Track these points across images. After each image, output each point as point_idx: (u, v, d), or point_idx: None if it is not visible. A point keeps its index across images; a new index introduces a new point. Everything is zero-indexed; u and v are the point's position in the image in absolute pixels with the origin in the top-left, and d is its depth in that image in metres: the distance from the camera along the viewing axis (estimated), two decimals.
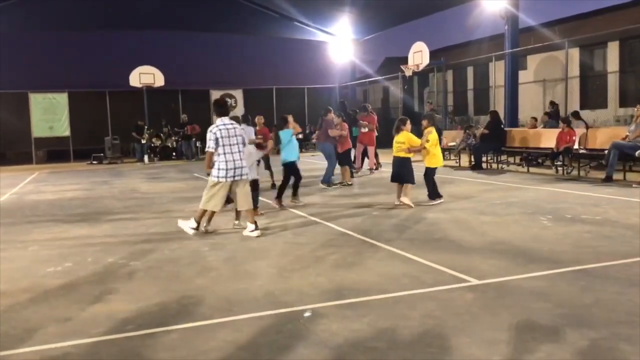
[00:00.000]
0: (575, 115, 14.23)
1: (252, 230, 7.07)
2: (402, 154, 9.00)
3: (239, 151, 7.08)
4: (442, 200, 9.14)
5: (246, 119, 12.27)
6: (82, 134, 24.17)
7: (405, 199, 8.92)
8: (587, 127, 13.51)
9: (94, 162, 22.61)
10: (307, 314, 4.12)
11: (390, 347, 3.53)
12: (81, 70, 34.40)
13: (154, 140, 23.20)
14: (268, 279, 5.12)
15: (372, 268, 5.38)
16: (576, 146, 12.50)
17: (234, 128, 7.11)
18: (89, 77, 31.67)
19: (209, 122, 26.16)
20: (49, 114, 24.07)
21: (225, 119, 7.17)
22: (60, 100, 24.19)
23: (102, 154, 22.88)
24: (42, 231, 8.04)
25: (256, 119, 12.05)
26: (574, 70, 20.76)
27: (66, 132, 24.21)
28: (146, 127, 22.80)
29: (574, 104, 19.54)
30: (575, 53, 20.58)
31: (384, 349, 3.50)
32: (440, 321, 3.91)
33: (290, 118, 9.54)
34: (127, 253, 6.39)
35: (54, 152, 24.40)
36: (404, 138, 9.02)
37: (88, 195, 12.28)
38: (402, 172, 9.02)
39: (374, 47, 31.05)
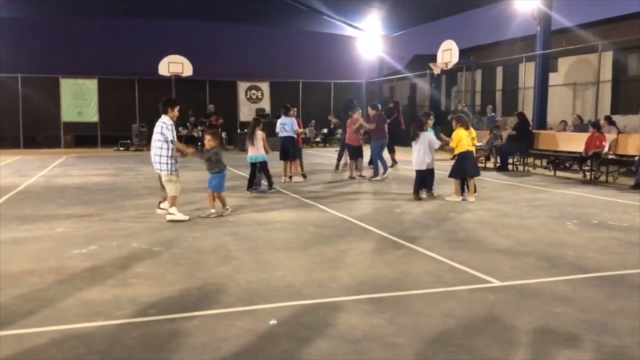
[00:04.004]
0: (608, 119, 13.91)
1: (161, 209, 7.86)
2: (472, 148, 9.49)
3: (155, 147, 7.71)
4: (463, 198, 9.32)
5: (287, 110, 12.23)
6: (110, 120, 24.50)
7: (470, 196, 9.32)
8: (619, 133, 13.24)
9: (121, 148, 22.93)
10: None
11: (410, 343, 3.52)
12: (111, 57, 34.91)
13: (180, 129, 23.41)
14: (289, 271, 5.14)
15: (393, 265, 5.36)
16: (605, 151, 12.27)
17: (158, 126, 7.71)
18: (119, 64, 32.12)
19: (236, 113, 26.49)
20: (79, 99, 24.44)
21: (162, 118, 7.75)
22: (90, 86, 24.55)
23: (129, 141, 23.17)
24: (68, 214, 8.18)
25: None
26: (606, 74, 20.35)
27: (95, 118, 24.56)
28: None
29: (605, 109, 19.19)
30: (608, 57, 20.17)
31: (403, 345, 3.50)
32: (461, 321, 3.89)
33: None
34: (151, 239, 6.48)
35: (82, 137, 24.77)
36: (475, 133, 9.70)
37: (114, 180, 12.46)
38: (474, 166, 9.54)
39: (403, 43, 30.83)
